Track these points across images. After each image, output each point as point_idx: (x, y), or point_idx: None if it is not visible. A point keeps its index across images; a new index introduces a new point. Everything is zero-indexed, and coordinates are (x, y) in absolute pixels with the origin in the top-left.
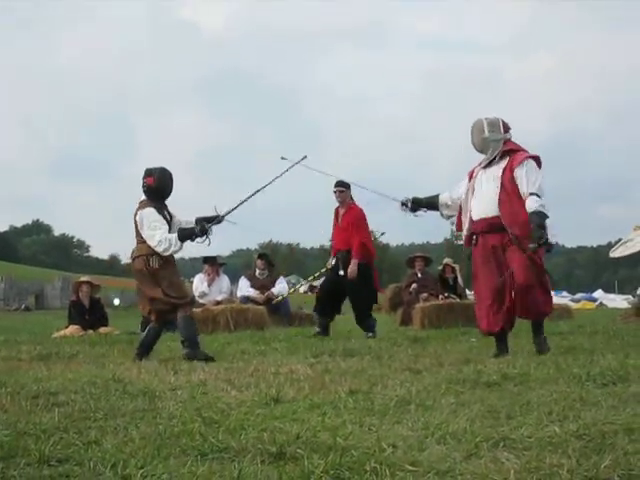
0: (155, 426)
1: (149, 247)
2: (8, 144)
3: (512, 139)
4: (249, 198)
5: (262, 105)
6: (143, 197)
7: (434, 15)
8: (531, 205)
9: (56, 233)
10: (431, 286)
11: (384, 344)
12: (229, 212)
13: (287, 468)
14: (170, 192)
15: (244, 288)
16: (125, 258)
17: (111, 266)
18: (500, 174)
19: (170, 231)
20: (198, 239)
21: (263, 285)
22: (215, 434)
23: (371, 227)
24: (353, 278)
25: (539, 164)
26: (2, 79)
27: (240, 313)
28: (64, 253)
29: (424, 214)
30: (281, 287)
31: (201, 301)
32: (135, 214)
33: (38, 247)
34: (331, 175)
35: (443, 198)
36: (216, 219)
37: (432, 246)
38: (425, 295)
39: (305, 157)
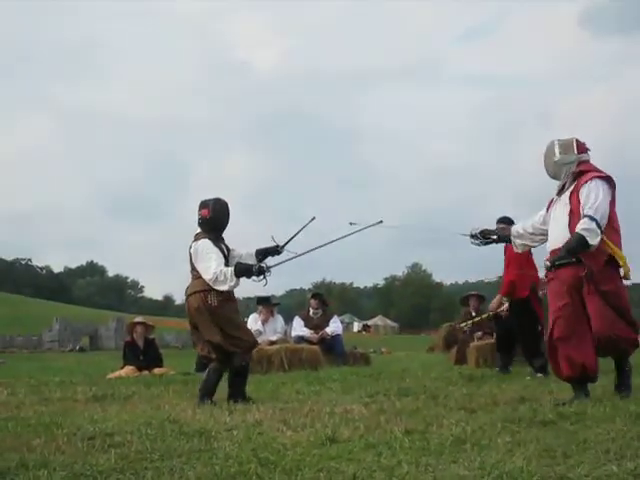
0: (211, 467)
1: (205, 282)
2: (60, 185)
3: (590, 160)
4: (303, 227)
5: (316, 143)
6: (198, 230)
7: (483, 51)
8: (578, 227)
9: (110, 274)
10: (486, 325)
11: (439, 383)
12: (288, 242)
13: None
14: (226, 223)
15: (298, 328)
16: (179, 298)
17: (165, 306)
18: (568, 199)
19: (227, 264)
20: (254, 277)
21: (317, 325)
22: (271, 475)
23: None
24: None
25: (611, 185)
26: (55, 118)
27: (294, 353)
28: (118, 294)
29: (495, 245)
30: (335, 326)
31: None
32: (190, 247)
33: (92, 288)
34: (398, 227)
35: (515, 228)
36: (275, 249)
37: (486, 285)
38: (480, 334)
39: (381, 222)
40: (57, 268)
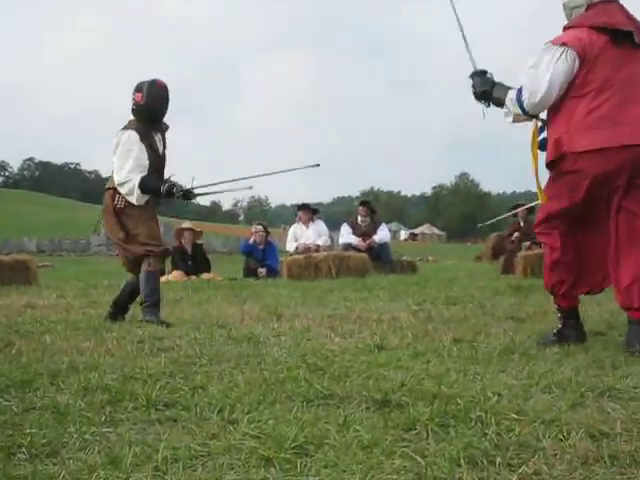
0: (260, 372)
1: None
2: (109, 88)
3: (612, 3)
4: (221, 187)
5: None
6: (131, 118)
7: None
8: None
9: None
10: (534, 235)
11: (486, 292)
12: (200, 194)
13: (392, 415)
14: (164, 110)
15: (346, 235)
16: (226, 204)
17: (212, 212)
18: None
19: (161, 164)
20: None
21: (365, 232)
22: (320, 380)
23: None
24: None
25: (573, 51)
26: (110, 24)
27: (342, 260)
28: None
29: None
30: (383, 234)
31: (299, 242)
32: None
33: None
34: None
35: None
36: (185, 192)
37: (534, 194)
38: (528, 244)
39: (318, 165)
40: (105, 172)
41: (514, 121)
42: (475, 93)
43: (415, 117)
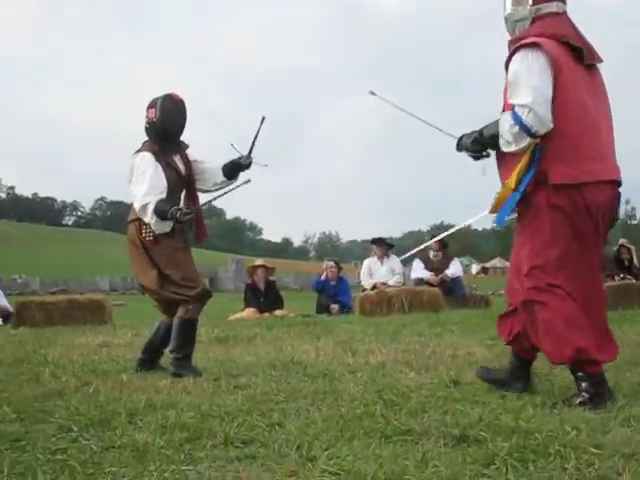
0: (337, 408)
1: None
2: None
3: (552, 12)
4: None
5: (429, 84)
6: (146, 138)
7: None
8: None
9: (229, 217)
10: (607, 267)
11: None
12: (251, 149)
13: (470, 451)
14: (182, 127)
15: (418, 270)
16: (297, 241)
17: (283, 248)
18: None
19: (180, 184)
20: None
21: (437, 267)
22: (397, 416)
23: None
24: None
25: (549, 57)
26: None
27: (415, 295)
28: (237, 236)
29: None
30: (455, 269)
31: (370, 282)
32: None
33: (211, 230)
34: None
35: None
36: (239, 161)
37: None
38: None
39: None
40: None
41: (517, 149)
42: (472, 152)
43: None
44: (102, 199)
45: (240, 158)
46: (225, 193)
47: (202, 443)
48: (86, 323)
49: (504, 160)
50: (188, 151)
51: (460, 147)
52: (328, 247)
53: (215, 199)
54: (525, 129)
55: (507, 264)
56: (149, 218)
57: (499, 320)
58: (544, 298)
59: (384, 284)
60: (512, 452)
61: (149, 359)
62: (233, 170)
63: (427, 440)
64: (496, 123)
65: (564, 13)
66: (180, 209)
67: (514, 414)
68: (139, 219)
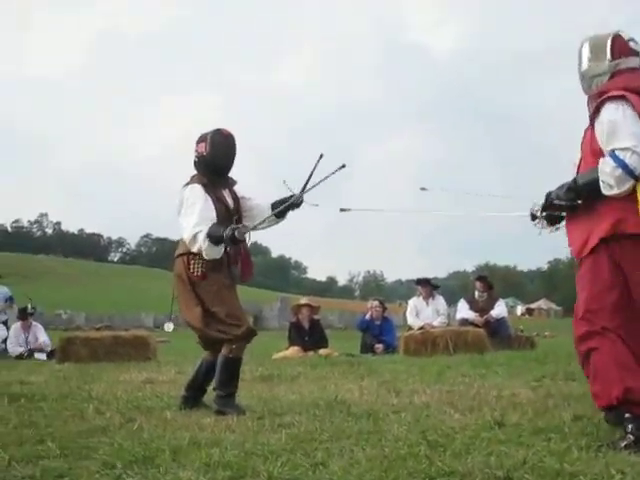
0: (381, 448)
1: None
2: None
3: (630, 67)
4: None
5: (477, 127)
6: (194, 173)
7: None
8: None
9: (274, 255)
10: None
11: None
12: (305, 186)
13: None
14: (231, 162)
15: (463, 310)
16: (342, 280)
17: (328, 287)
18: (584, 133)
19: (230, 219)
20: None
21: (482, 307)
22: (441, 457)
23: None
24: None
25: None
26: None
27: (459, 335)
28: (282, 274)
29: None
30: (500, 309)
31: (418, 323)
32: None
33: (257, 268)
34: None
35: None
36: (291, 199)
37: None
38: None
39: (344, 166)
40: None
41: (618, 192)
42: (566, 201)
43: (527, 189)
44: (147, 235)
45: (292, 196)
46: (315, 185)
47: None
48: (130, 359)
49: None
50: (236, 187)
51: (549, 200)
52: (373, 286)
53: (307, 186)
54: (628, 171)
55: (552, 305)
56: (201, 244)
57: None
58: (596, 342)
59: (429, 325)
60: None
61: (192, 396)
62: (284, 209)
63: None
64: (591, 171)
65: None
66: (237, 227)
67: (558, 457)
68: (187, 253)
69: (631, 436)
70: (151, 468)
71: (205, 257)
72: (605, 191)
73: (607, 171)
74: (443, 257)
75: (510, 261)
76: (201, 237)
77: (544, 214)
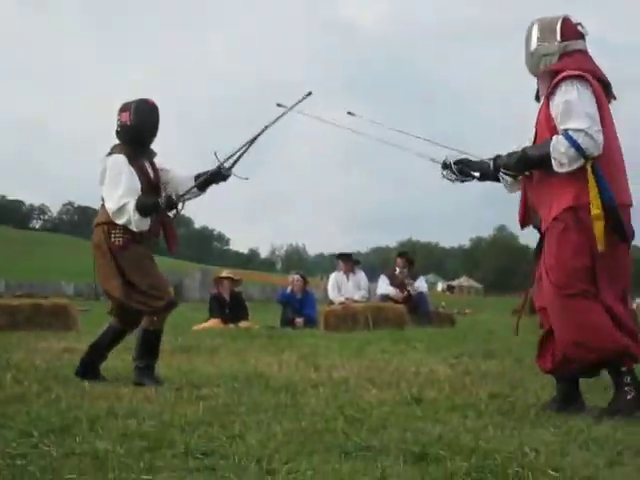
0: (298, 422)
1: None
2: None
3: (584, 51)
4: (251, 143)
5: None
6: (116, 142)
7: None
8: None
9: (196, 226)
10: None
11: (525, 347)
12: (229, 158)
13: (430, 469)
14: (154, 133)
15: (384, 286)
16: (264, 252)
17: (250, 259)
18: (538, 111)
19: (151, 189)
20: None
21: (402, 283)
22: (358, 432)
23: None
24: None
25: (593, 89)
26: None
27: (380, 311)
28: (204, 246)
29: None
30: (420, 283)
31: (339, 298)
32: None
33: (179, 239)
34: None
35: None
36: (218, 172)
37: None
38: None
39: (310, 93)
40: None
41: (569, 170)
42: (514, 171)
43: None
44: (70, 204)
45: (220, 168)
46: (280, 117)
47: (162, 453)
48: (51, 328)
49: (542, 183)
50: (156, 159)
51: (497, 166)
52: (295, 260)
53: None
54: (581, 152)
55: (473, 283)
56: (131, 215)
57: (540, 347)
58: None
59: (351, 299)
60: (471, 472)
61: (90, 361)
62: (207, 182)
63: (386, 457)
64: (541, 146)
65: (587, 50)
66: (169, 195)
67: (474, 434)
68: (107, 222)
69: (632, 388)
70: (68, 438)
71: (134, 229)
72: (556, 168)
73: (562, 150)
74: (366, 233)
75: (432, 238)
76: (130, 208)
77: (456, 166)
